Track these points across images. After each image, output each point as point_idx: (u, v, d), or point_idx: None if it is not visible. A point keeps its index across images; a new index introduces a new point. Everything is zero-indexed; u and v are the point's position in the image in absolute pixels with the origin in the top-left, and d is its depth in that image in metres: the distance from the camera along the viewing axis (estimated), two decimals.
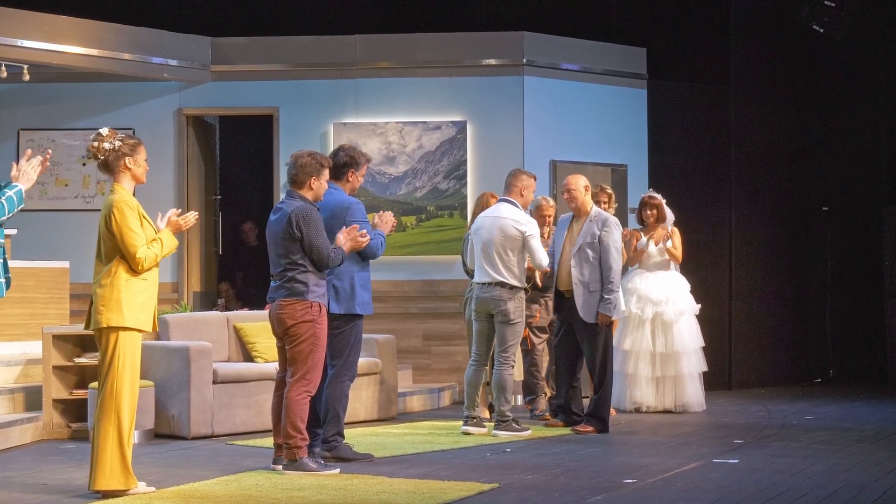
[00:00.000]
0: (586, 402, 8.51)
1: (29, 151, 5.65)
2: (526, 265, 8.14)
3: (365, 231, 6.68)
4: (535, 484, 6.11)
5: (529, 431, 8.03)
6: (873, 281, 12.37)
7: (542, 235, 8.94)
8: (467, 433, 8.04)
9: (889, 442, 7.75)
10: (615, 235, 8.24)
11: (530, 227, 7.99)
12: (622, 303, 9.12)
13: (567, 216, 8.53)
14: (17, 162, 5.62)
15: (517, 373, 8.76)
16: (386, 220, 7.08)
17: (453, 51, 10.84)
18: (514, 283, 7.95)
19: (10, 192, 5.40)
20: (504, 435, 7.92)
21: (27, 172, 5.49)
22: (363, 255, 6.90)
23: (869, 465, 6.71)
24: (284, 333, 6.46)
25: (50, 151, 5.82)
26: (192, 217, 5.94)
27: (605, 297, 8.13)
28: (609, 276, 8.12)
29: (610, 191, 9.23)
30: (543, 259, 8.04)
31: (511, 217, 7.98)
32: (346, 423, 7.10)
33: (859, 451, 7.27)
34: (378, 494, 5.78)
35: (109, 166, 5.79)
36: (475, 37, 10.97)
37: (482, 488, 5.93)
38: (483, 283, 8.01)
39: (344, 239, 6.57)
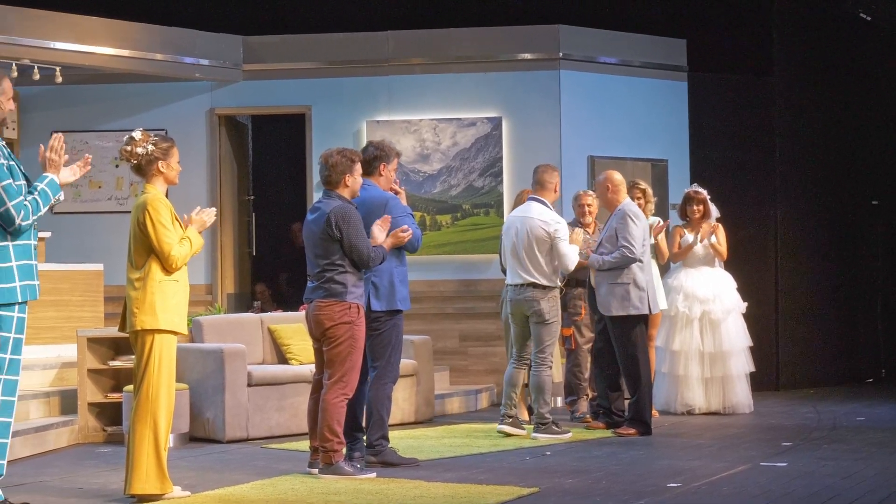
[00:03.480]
0: (628, 403, 8.32)
1: (60, 136, 5.50)
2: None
3: (406, 226, 6.58)
4: (576, 488, 6.01)
5: (570, 434, 7.88)
6: None
7: (583, 226, 8.81)
8: (503, 433, 7.94)
9: None
10: (630, 228, 8.06)
11: (559, 227, 7.85)
12: (662, 300, 8.97)
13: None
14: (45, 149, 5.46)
15: (556, 373, 8.61)
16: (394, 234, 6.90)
17: (487, 45, 10.72)
18: (546, 282, 7.84)
19: (41, 185, 5.33)
20: (543, 438, 7.79)
21: (53, 161, 5.37)
22: (405, 249, 6.79)
23: None
24: (322, 335, 6.39)
25: (89, 156, 5.70)
26: (212, 212, 5.92)
27: (605, 257, 8.02)
28: (615, 255, 7.99)
29: (643, 185, 9.04)
30: (571, 262, 7.87)
31: (539, 217, 7.88)
32: None
33: None
34: (415, 499, 5.71)
35: (142, 170, 5.79)
36: (510, 31, 10.86)
37: (521, 492, 5.84)
38: (515, 285, 7.92)
39: (380, 232, 6.46)
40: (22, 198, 5.24)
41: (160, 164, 5.76)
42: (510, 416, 7.98)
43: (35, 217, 5.27)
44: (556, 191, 7.99)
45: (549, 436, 7.80)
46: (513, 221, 8.02)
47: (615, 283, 8.01)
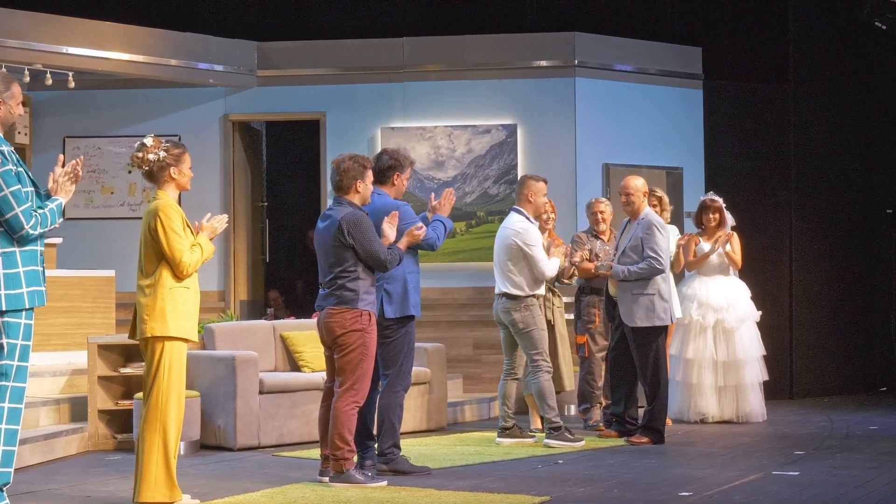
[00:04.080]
0: (641, 411, 8.26)
1: (61, 157, 5.55)
2: (576, 263, 8.24)
3: (420, 224, 6.58)
4: (588, 497, 5.98)
5: (583, 442, 7.84)
6: None
7: (597, 234, 8.78)
8: (500, 444, 7.92)
9: None
10: (657, 238, 8.01)
11: (525, 234, 7.82)
12: (677, 308, 8.91)
13: (627, 220, 8.36)
14: (54, 171, 5.51)
15: (568, 381, 8.57)
16: (444, 200, 6.96)
17: (503, 52, 10.69)
18: (516, 292, 7.83)
19: (51, 205, 5.38)
20: (556, 444, 7.74)
21: (64, 185, 5.41)
22: (422, 248, 6.77)
23: None
24: (333, 342, 6.36)
25: (81, 157, 5.70)
26: (224, 219, 5.90)
27: (630, 267, 7.93)
28: (641, 266, 7.90)
29: (660, 193, 9.00)
30: (545, 269, 7.82)
31: (511, 227, 7.89)
32: None
33: None
34: None
35: (154, 176, 5.77)
36: (525, 38, 10.82)
37: (533, 501, 5.82)
38: (496, 295, 7.98)
39: (390, 230, 6.44)
40: (30, 205, 5.24)
41: (172, 170, 5.74)
42: (506, 429, 7.98)
43: (41, 230, 5.27)
44: (530, 200, 7.90)
45: (562, 442, 7.75)
46: (497, 232, 8.07)
47: (640, 293, 7.95)
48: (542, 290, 8.02)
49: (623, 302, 8.01)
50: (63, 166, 5.47)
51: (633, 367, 8.11)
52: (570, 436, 7.79)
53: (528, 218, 7.91)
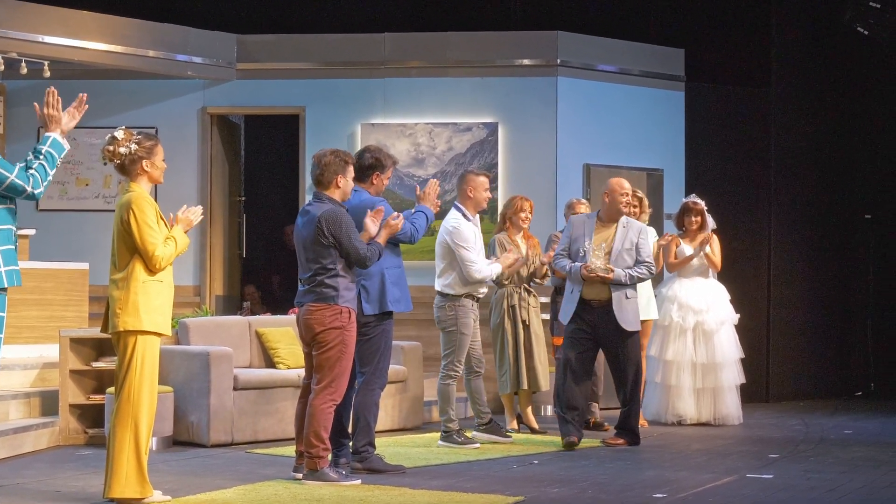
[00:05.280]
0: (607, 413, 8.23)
1: (53, 89, 5.44)
2: (533, 259, 8.26)
3: (397, 213, 6.54)
4: (562, 497, 5.98)
5: (477, 446, 7.75)
6: None
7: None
8: (476, 439, 7.88)
9: None
10: (650, 242, 8.14)
11: (455, 233, 7.75)
12: (653, 308, 8.91)
13: (580, 217, 8.14)
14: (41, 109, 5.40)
15: (544, 382, 8.51)
16: (429, 189, 6.91)
17: (485, 50, 10.64)
18: (447, 290, 7.79)
19: (45, 148, 5.28)
20: (445, 446, 7.74)
21: (54, 116, 5.33)
22: (402, 241, 6.72)
23: None
24: (312, 339, 6.32)
25: (85, 94, 5.60)
26: (199, 211, 5.84)
27: (630, 272, 7.74)
28: (640, 271, 7.80)
29: (641, 194, 8.97)
30: (472, 271, 7.68)
31: (445, 223, 7.86)
32: None
33: None
34: None
35: (126, 169, 5.71)
36: (508, 36, 10.78)
37: (507, 501, 5.81)
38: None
39: (373, 224, 6.38)
40: (23, 165, 5.18)
41: (144, 162, 5.68)
42: (447, 432, 7.81)
43: (46, 182, 5.24)
44: (470, 195, 7.75)
45: (451, 445, 7.73)
46: None
47: (634, 297, 7.87)
48: (482, 291, 7.87)
49: (619, 307, 7.76)
50: (43, 108, 5.35)
51: (592, 369, 8.02)
52: (458, 439, 7.76)
53: (464, 215, 7.81)
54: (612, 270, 7.76)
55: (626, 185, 8.03)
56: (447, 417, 7.82)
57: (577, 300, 7.83)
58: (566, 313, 7.92)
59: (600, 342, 7.90)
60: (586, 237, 7.88)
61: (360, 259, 6.28)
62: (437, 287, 7.83)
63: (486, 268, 7.80)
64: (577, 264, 7.81)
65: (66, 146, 5.41)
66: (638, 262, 7.85)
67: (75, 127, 5.41)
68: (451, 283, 7.78)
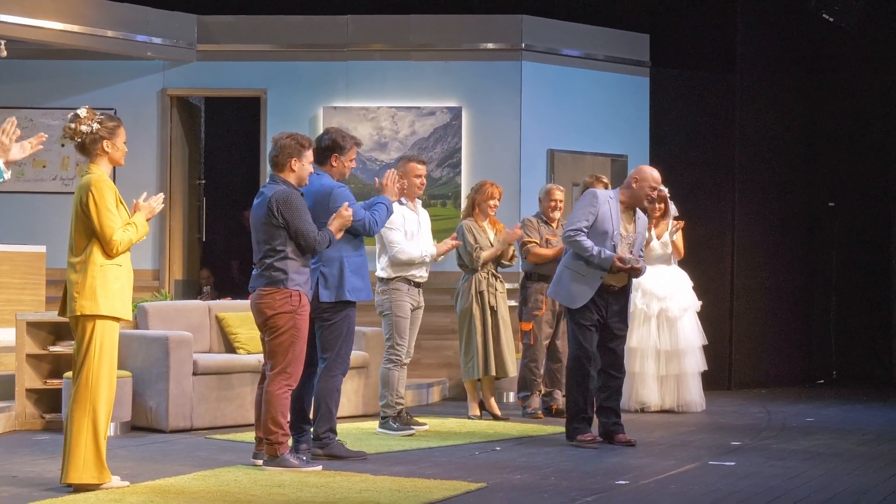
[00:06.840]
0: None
1: (13, 120, 5.33)
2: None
3: (347, 203, 6.42)
4: (524, 484, 5.96)
5: (412, 432, 7.68)
6: (880, 280, 12.17)
7: (550, 221, 8.69)
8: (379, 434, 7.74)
9: (891, 446, 7.58)
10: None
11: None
12: None
13: (605, 194, 7.37)
14: None
15: (511, 367, 8.46)
16: (387, 180, 6.79)
17: (449, 34, 10.57)
18: (380, 273, 7.77)
19: None
20: (381, 432, 7.69)
21: (3, 144, 5.21)
22: (356, 233, 6.61)
23: (869, 470, 6.56)
24: (264, 324, 6.27)
25: (44, 136, 5.54)
26: (160, 199, 5.78)
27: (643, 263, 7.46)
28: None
29: (606, 180, 8.97)
30: (396, 253, 7.63)
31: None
32: None
33: (860, 456, 7.13)
34: (361, 493, 5.60)
35: (86, 149, 5.63)
36: (472, 20, 10.71)
37: (469, 487, 5.77)
38: None
39: (344, 214, 6.33)
40: None
41: (105, 143, 5.61)
42: (384, 417, 7.72)
43: None
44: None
45: (388, 431, 7.67)
46: None
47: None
48: (421, 274, 7.77)
49: (626, 293, 7.40)
50: (5, 133, 5.27)
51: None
52: (394, 425, 7.69)
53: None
54: (639, 260, 7.34)
55: (658, 177, 7.34)
56: (385, 403, 7.73)
57: (599, 286, 7.24)
58: (579, 298, 7.22)
59: (604, 327, 7.38)
60: (613, 221, 7.28)
61: (308, 243, 6.20)
62: (376, 271, 7.76)
63: (411, 249, 7.70)
64: (609, 253, 7.18)
65: (7, 176, 5.30)
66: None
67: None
68: (384, 265, 7.75)
